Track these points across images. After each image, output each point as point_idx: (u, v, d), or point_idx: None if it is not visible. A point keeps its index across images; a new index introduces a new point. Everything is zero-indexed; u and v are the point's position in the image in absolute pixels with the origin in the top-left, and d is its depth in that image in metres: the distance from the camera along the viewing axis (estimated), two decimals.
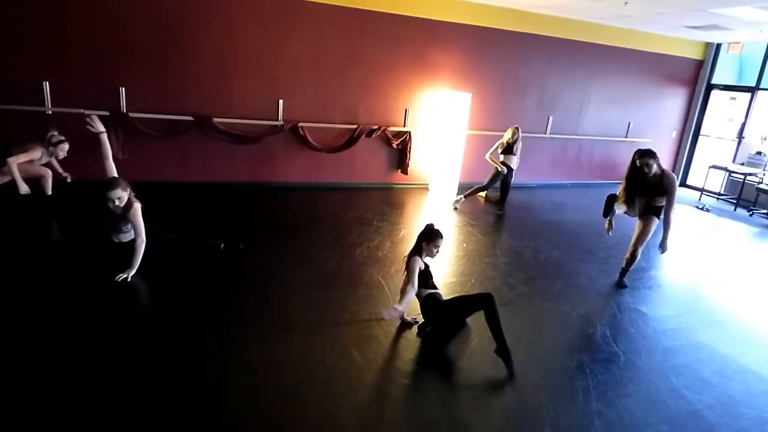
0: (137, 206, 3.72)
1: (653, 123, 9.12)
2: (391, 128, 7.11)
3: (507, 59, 7.57)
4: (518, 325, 3.77)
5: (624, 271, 4.67)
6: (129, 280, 3.75)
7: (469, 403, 2.87)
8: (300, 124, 6.56)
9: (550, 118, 8.25)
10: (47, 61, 5.36)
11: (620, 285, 4.66)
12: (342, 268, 4.44)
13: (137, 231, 3.76)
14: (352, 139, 6.89)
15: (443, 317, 3.56)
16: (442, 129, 7.27)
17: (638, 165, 4.24)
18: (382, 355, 3.24)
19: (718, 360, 3.56)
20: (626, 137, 9.02)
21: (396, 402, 2.84)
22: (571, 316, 4.05)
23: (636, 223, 4.56)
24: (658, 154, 4.37)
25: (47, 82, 5.41)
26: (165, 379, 2.78)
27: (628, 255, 4.60)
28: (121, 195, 3.60)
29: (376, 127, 6.96)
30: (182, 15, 5.73)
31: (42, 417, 2.39)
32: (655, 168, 4.21)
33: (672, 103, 9.35)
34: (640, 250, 4.52)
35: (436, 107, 7.23)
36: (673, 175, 4.33)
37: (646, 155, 4.24)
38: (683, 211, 8.05)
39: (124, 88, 5.67)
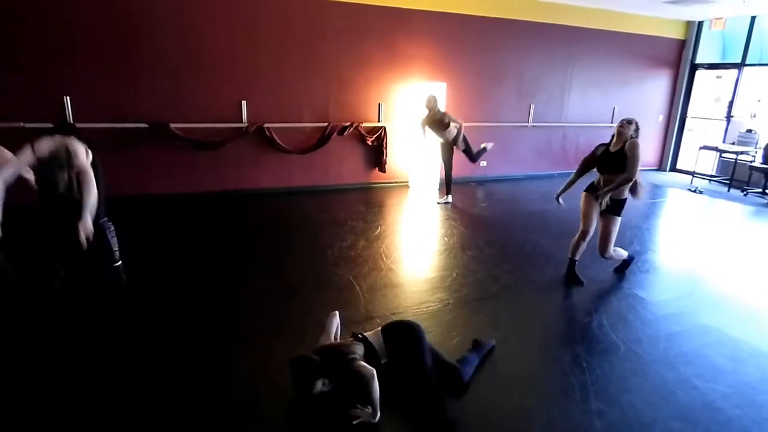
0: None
1: (638, 107, 8.81)
2: (365, 124, 6.75)
3: (481, 46, 7.26)
4: (504, 318, 3.39)
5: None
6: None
7: (446, 411, 2.45)
8: (266, 125, 6.18)
9: (532, 106, 7.94)
10: None
11: (619, 269, 4.29)
12: (310, 271, 4.04)
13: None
14: (323, 138, 6.52)
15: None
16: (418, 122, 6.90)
17: (614, 132, 3.78)
18: None
19: (727, 344, 3.18)
20: (612, 122, 8.71)
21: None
22: (563, 306, 3.67)
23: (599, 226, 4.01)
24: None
25: None
26: (104, 394, 2.36)
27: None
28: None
29: (348, 124, 6.60)
30: (130, 15, 5.36)
31: None
32: (631, 131, 3.72)
33: (656, 86, 9.08)
34: (611, 251, 4.01)
35: (410, 100, 6.89)
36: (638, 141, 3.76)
37: (628, 118, 3.78)
38: (676, 194, 7.72)
39: (68, 97, 5.25)
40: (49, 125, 5.11)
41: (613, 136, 3.81)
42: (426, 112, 6.07)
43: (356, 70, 6.57)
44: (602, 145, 3.92)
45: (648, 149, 9.31)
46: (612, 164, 3.77)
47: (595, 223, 3.97)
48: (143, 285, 3.63)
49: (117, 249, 3.55)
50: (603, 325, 3.34)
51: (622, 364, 2.89)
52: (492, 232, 5.35)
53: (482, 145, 6.45)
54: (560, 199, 4.14)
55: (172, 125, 5.74)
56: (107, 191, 3.50)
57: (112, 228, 3.48)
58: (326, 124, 6.51)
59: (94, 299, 3.38)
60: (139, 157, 5.73)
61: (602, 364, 2.87)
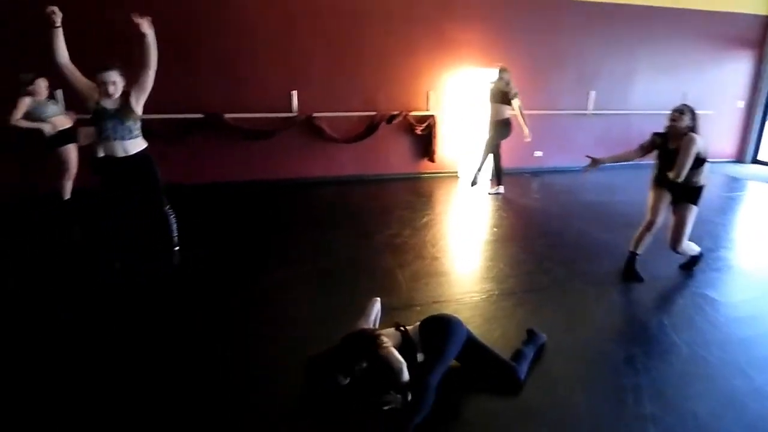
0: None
1: (714, 92, 8.08)
2: (414, 113, 6.62)
3: (538, 29, 6.89)
4: (552, 312, 3.18)
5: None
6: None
7: (485, 404, 2.32)
8: (315, 115, 6.21)
9: (592, 92, 7.47)
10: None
11: (685, 266, 3.93)
12: (353, 259, 3.99)
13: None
14: (371, 127, 6.45)
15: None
16: (469, 110, 6.70)
17: (666, 125, 3.41)
18: None
19: None
20: None
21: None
22: (619, 302, 3.40)
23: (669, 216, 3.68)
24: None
25: (60, 90, 5.34)
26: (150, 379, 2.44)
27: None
28: (117, 79, 3.27)
29: (396, 112, 6.49)
30: (182, 6, 5.53)
31: None
32: (686, 122, 3.34)
33: (735, 69, 8.26)
34: (683, 245, 3.65)
35: (461, 87, 6.68)
36: (697, 136, 3.32)
37: (679, 107, 3.40)
38: (757, 188, 7.02)
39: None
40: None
41: (667, 129, 3.46)
42: (492, 82, 5.81)
43: (405, 58, 6.44)
44: (657, 134, 3.58)
45: (725, 139, 8.52)
46: (673, 163, 3.38)
47: (663, 215, 3.65)
48: (190, 271, 3.73)
49: (176, 235, 3.72)
50: (663, 325, 3.06)
51: (684, 367, 2.63)
52: (544, 223, 5.08)
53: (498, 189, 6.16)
54: (593, 166, 3.76)
55: (226, 115, 5.89)
56: (164, 180, 3.66)
57: (173, 216, 3.65)
58: (374, 113, 6.45)
59: (149, 280, 3.53)
60: (193, 147, 5.93)
61: (660, 367, 2.62)
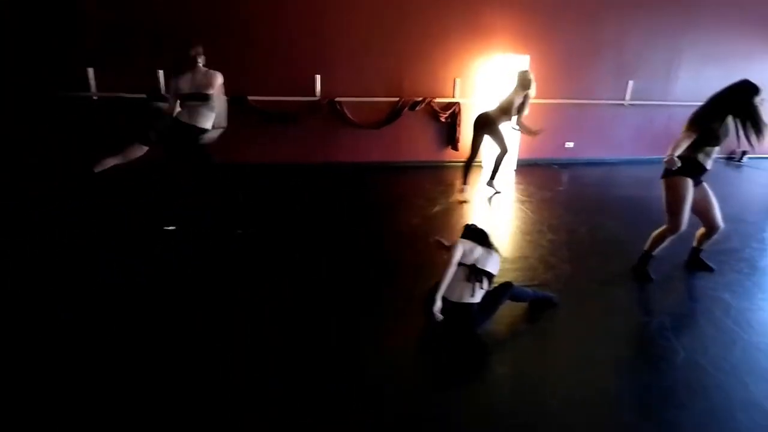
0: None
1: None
2: (438, 100, 6.52)
3: (573, 15, 6.59)
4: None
5: (697, 251, 3.73)
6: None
7: (445, 405, 2.30)
8: (337, 99, 6.22)
9: (630, 82, 7.10)
10: (90, 48, 5.56)
11: (703, 266, 3.71)
12: (355, 245, 4.02)
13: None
14: (393, 114, 6.41)
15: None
16: (497, 99, 6.51)
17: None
18: (378, 351, 2.76)
19: None
20: None
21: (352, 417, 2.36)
22: (622, 301, 3.27)
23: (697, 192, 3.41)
24: None
25: (92, 69, 5.62)
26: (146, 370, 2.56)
27: (703, 231, 3.62)
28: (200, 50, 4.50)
29: (420, 99, 6.41)
30: None
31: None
32: None
33: None
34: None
35: (489, 75, 6.51)
36: None
37: None
38: None
39: (162, 71, 5.71)
40: (143, 96, 5.60)
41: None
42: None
43: (433, 44, 6.33)
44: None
45: None
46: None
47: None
48: (194, 265, 3.85)
49: None
50: (664, 327, 2.92)
51: (676, 374, 2.50)
52: (562, 216, 4.90)
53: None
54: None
55: (250, 98, 6.00)
56: None
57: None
58: (398, 99, 6.40)
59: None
60: None
61: (650, 372, 2.51)
